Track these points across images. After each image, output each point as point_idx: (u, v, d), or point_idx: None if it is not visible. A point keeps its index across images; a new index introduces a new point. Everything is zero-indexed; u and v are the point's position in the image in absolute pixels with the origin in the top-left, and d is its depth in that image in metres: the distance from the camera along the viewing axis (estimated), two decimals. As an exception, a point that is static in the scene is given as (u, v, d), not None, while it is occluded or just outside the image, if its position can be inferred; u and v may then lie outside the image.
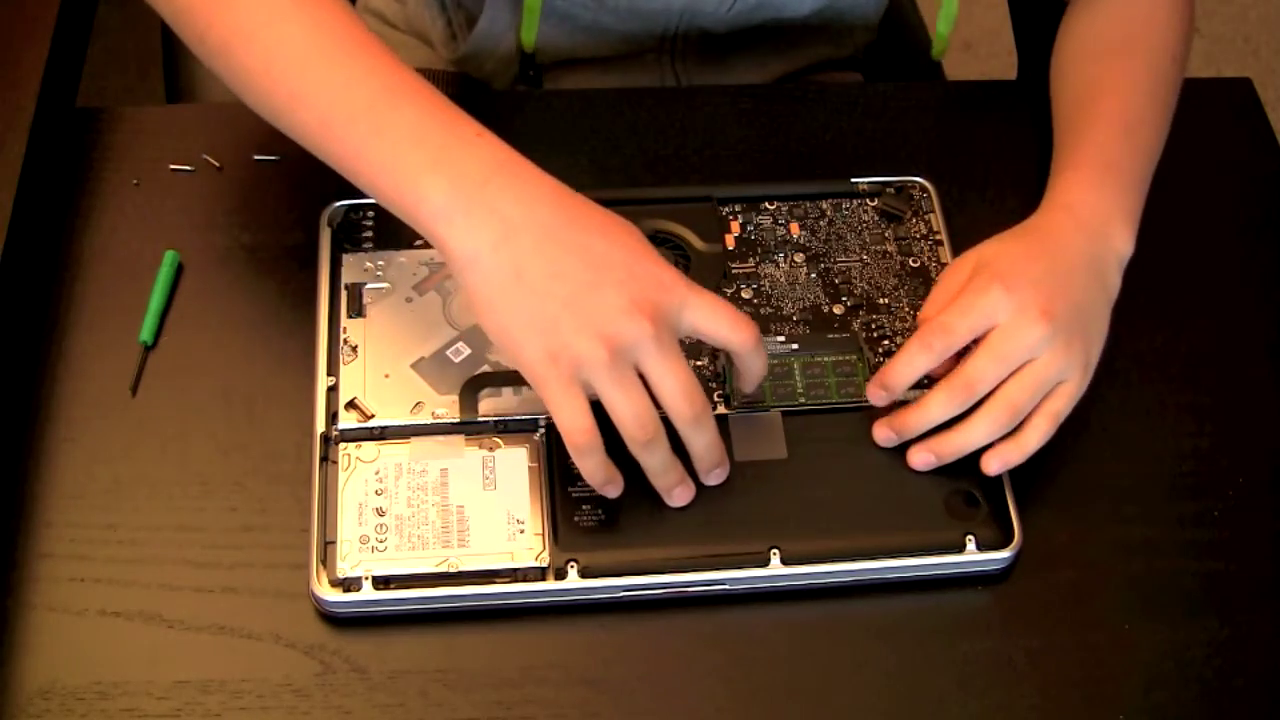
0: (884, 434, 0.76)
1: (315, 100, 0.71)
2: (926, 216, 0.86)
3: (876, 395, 0.77)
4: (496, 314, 0.68)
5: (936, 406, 0.75)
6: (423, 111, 0.70)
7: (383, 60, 0.72)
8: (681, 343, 0.70)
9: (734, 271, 0.83)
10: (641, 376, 0.69)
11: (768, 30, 1.00)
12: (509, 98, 0.99)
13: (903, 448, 0.76)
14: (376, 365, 0.78)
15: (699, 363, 0.78)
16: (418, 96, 0.71)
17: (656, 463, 0.71)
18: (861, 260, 0.84)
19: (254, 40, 0.72)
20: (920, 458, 0.76)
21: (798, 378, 0.79)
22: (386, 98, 0.70)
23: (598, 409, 0.69)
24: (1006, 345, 0.74)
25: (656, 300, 0.68)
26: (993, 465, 0.75)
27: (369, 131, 0.70)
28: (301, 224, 0.83)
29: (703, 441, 0.72)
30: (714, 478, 0.74)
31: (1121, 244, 0.79)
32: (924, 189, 0.87)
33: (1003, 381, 0.75)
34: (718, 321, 0.71)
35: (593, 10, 0.94)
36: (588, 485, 0.72)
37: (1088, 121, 0.83)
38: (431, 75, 1.04)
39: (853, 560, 0.74)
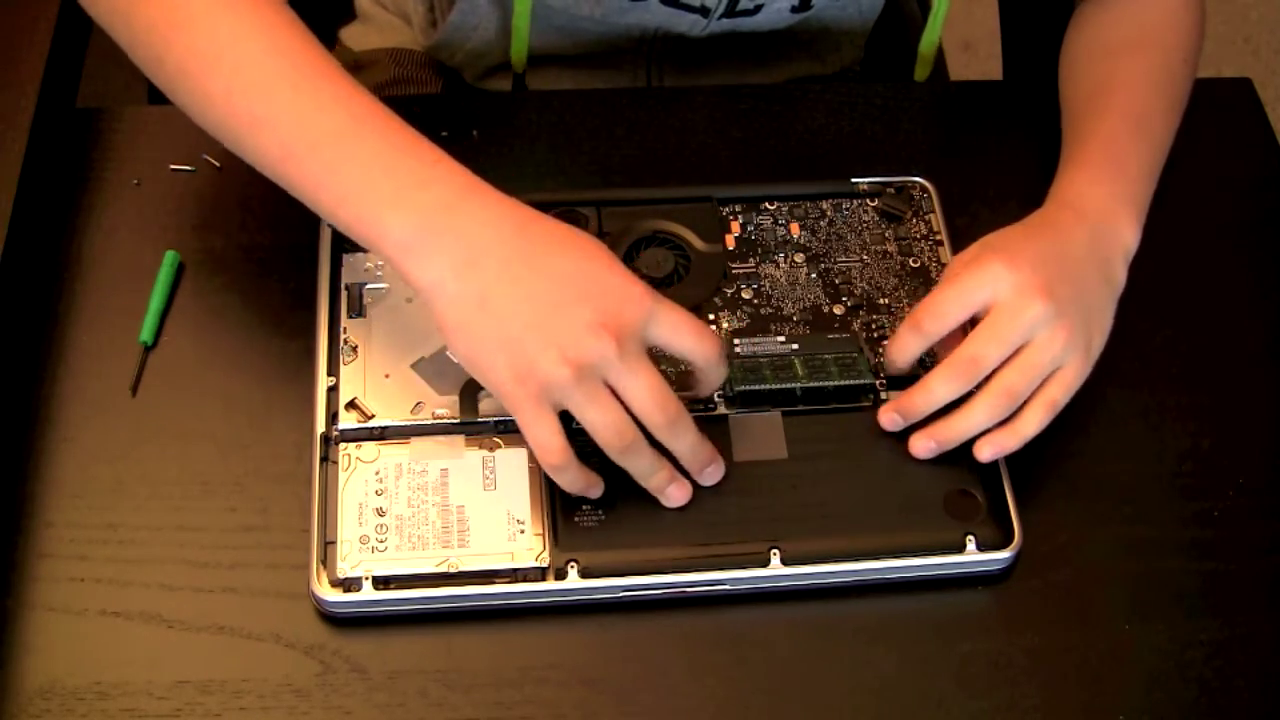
0: (889, 419, 0.76)
1: (276, 126, 0.70)
2: (926, 216, 0.86)
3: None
4: (464, 339, 0.69)
5: (940, 386, 0.75)
6: (384, 142, 0.70)
7: (344, 87, 0.71)
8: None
9: (734, 271, 0.83)
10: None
11: (747, 40, 0.99)
12: (508, 98, 0.99)
13: (903, 446, 0.76)
14: (376, 365, 0.78)
15: (684, 368, 0.78)
16: (379, 125, 0.70)
17: (641, 467, 0.71)
18: (861, 260, 0.84)
19: (214, 64, 0.71)
20: (921, 445, 0.76)
21: (799, 375, 0.79)
22: (350, 126, 0.70)
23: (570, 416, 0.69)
24: (1007, 323, 0.74)
25: (620, 314, 0.68)
26: (986, 452, 0.75)
27: (331, 161, 0.70)
28: (301, 224, 0.83)
29: (684, 444, 0.72)
30: (708, 477, 0.74)
31: (1128, 237, 0.79)
32: (924, 189, 0.87)
33: (1002, 365, 0.74)
34: (682, 334, 0.71)
35: (569, 15, 0.94)
36: (588, 485, 0.72)
37: (1098, 115, 0.83)
38: (415, 56, 1.04)
39: (853, 560, 0.74)
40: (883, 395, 0.79)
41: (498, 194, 0.70)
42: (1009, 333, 0.74)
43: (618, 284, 0.69)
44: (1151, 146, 0.84)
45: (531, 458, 0.75)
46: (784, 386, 0.78)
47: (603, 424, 0.69)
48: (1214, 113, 0.94)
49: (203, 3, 0.72)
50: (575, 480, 0.71)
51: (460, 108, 0.95)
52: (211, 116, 0.72)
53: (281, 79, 0.71)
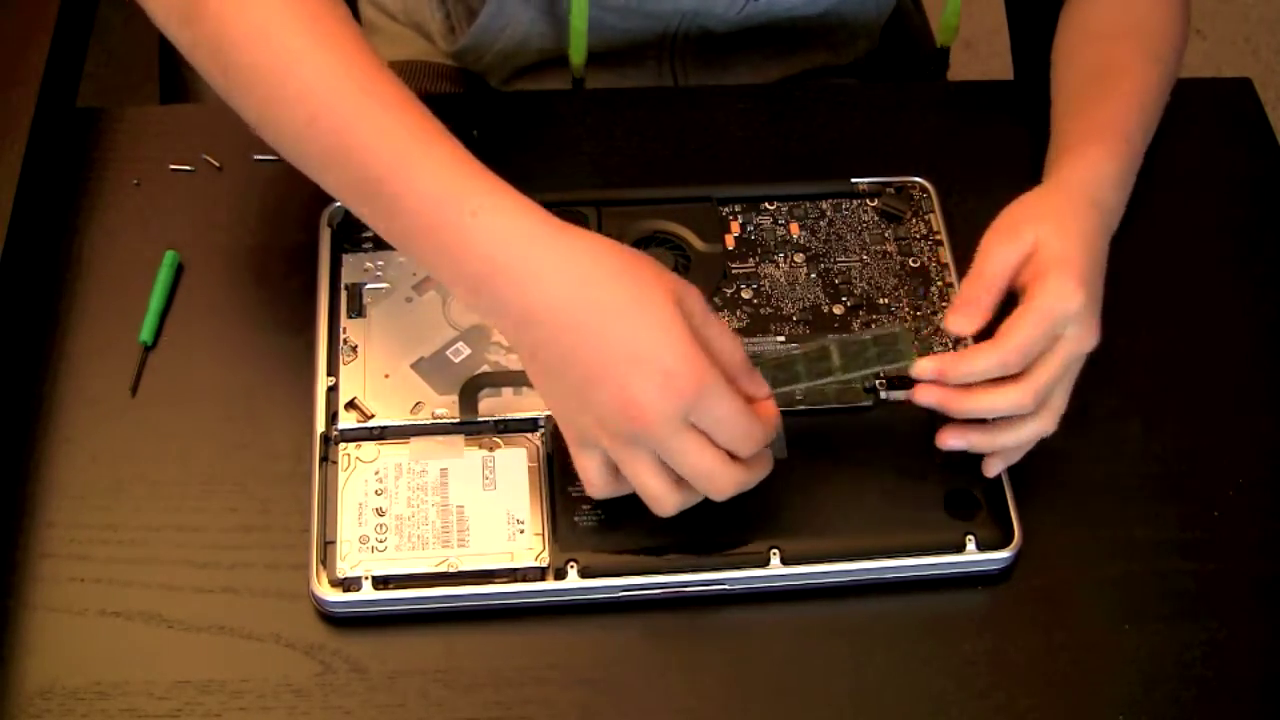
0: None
1: (337, 171, 0.70)
2: (926, 216, 0.86)
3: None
4: (530, 374, 0.70)
5: (981, 363, 0.71)
6: (429, 187, 0.68)
7: (396, 116, 0.69)
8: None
9: (734, 271, 0.83)
10: None
11: (769, 33, 0.99)
12: (509, 98, 0.99)
13: (904, 450, 0.76)
14: (376, 365, 0.78)
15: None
16: (424, 166, 0.68)
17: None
18: (861, 260, 0.84)
19: (279, 89, 0.70)
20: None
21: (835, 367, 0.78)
22: (398, 168, 0.68)
23: None
24: (1072, 360, 0.73)
25: (659, 399, 0.66)
26: (994, 467, 0.76)
27: (386, 211, 0.69)
28: (301, 224, 0.83)
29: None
30: None
31: (1119, 219, 0.80)
32: (924, 189, 0.87)
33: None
34: (724, 429, 0.68)
35: (596, 8, 0.94)
36: (588, 485, 0.72)
37: (1105, 94, 0.84)
38: (430, 69, 1.04)
39: (853, 560, 0.74)
40: (882, 395, 0.79)
41: (560, 236, 0.68)
42: (1071, 366, 0.73)
43: (669, 364, 0.66)
44: (1149, 130, 0.85)
45: (532, 457, 0.75)
46: (812, 384, 0.75)
47: (640, 487, 0.69)
48: (1214, 113, 0.94)
49: (260, 16, 0.70)
50: (608, 497, 0.71)
51: (461, 108, 0.95)
52: (274, 139, 0.72)
53: (355, 111, 0.69)
